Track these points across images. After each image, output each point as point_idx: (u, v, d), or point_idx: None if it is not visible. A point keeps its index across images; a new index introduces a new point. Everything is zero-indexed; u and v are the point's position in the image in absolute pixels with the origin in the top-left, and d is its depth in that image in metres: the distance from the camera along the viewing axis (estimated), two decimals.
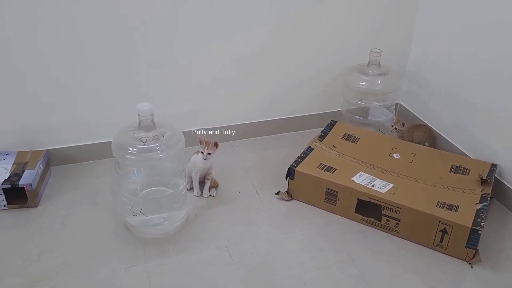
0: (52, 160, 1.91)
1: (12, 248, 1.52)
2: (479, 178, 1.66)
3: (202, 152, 1.67)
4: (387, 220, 1.59)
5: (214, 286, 1.41)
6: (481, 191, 1.61)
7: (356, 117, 2.13)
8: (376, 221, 1.62)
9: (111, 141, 1.50)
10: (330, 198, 1.68)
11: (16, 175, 1.69)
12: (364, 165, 1.76)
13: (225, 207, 1.73)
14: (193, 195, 1.77)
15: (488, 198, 1.58)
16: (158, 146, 1.45)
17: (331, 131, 1.96)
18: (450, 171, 1.73)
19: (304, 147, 1.87)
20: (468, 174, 1.71)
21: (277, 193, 1.78)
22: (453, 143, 1.98)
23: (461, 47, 1.89)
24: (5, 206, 1.68)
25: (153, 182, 1.64)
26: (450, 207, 1.53)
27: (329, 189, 1.67)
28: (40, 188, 1.74)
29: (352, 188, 1.62)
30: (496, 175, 1.73)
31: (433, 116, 2.10)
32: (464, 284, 1.43)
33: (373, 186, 1.63)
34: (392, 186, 1.63)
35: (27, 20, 1.64)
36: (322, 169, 1.72)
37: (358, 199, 1.62)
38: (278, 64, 2.04)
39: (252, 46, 1.96)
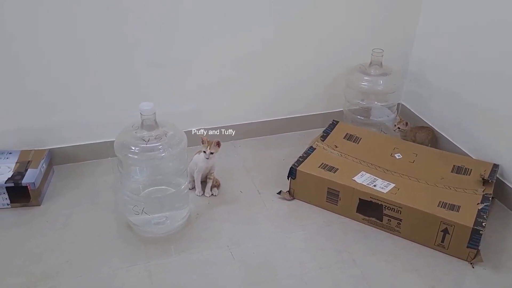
0: (55, 159, 1.91)
1: (15, 246, 1.53)
2: (481, 178, 1.66)
3: (204, 152, 1.68)
4: (388, 220, 1.59)
5: (216, 285, 1.41)
6: (483, 191, 1.61)
7: (358, 117, 2.13)
8: (378, 221, 1.62)
9: (114, 140, 1.50)
10: (332, 197, 1.68)
11: (19, 174, 1.69)
12: (366, 165, 1.76)
13: (227, 207, 1.73)
14: (195, 195, 1.77)
15: (490, 199, 1.58)
16: (160, 145, 1.46)
17: (333, 131, 1.97)
18: (451, 171, 1.73)
19: (306, 147, 1.87)
20: (469, 174, 1.71)
21: (279, 193, 1.78)
22: (455, 143, 1.98)
23: (463, 47, 1.89)
24: (8, 204, 1.69)
25: (155, 181, 1.64)
26: (452, 207, 1.53)
27: (331, 188, 1.67)
28: (43, 187, 1.75)
29: (354, 188, 1.63)
30: (498, 176, 1.73)
31: (435, 116, 2.10)
32: (465, 284, 1.43)
33: (374, 186, 1.64)
34: (394, 186, 1.63)
35: (27, 20, 1.64)
36: (324, 169, 1.72)
37: (359, 199, 1.63)
38: (280, 64, 2.04)
39: (252, 46, 1.96)
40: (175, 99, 1.97)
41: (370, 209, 1.62)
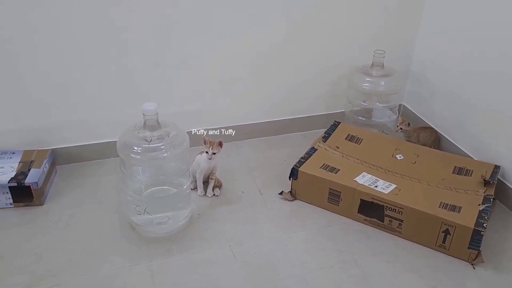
0: (58, 159, 1.92)
1: (18, 246, 1.54)
2: (482, 180, 1.67)
3: (206, 152, 1.68)
4: (389, 220, 1.60)
5: (217, 285, 1.42)
6: (484, 192, 1.62)
7: (360, 118, 2.13)
8: (379, 222, 1.62)
9: (116, 141, 1.51)
10: (333, 198, 1.69)
11: (22, 173, 1.70)
12: (367, 165, 1.76)
13: (229, 207, 1.74)
14: (197, 195, 1.78)
15: (491, 200, 1.58)
16: (162, 145, 1.46)
17: (334, 132, 1.97)
18: (453, 172, 1.74)
19: (308, 147, 1.88)
20: (471, 175, 1.71)
21: (281, 193, 1.79)
22: (456, 144, 1.99)
23: (464, 47, 1.89)
24: (11, 204, 1.69)
25: (157, 181, 1.65)
26: (453, 208, 1.53)
27: (332, 189, 1.67)
28: (45, 186, 1.76)
29: (355, 189, 1.63)
30: (499, 177, 1.73)
31: (437, 117, 2.10)
32: (466, 285, 1.43)
33: (376, 186, 1.64)
34: (395, 187, 1.64)
35: (27, 20, 1.65)
36: (325, 169, 1.72)
37: (361, 199, 1.63)
38: (281, 64, 2.05)
39: (254, 47, 1.97)
40: (175, 99, 1.97)
41: (371, 210, 1.62)
